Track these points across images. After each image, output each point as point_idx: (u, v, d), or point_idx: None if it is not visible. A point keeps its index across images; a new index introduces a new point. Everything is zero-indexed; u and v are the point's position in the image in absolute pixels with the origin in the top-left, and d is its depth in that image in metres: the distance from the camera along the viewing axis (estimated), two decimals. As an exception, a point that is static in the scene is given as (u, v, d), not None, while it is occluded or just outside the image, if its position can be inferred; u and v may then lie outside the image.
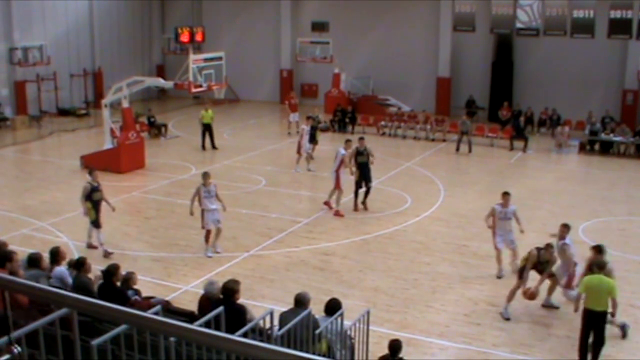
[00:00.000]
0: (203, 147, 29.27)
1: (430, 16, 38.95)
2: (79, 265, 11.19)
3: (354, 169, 20.46)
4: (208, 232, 16.79)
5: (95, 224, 16.78)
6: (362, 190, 20.72)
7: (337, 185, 20.27)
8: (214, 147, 29.30)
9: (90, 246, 16.90)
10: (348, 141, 21.20)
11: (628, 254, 17.16)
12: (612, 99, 35.02)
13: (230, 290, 9.46)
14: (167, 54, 44.42)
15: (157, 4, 45.70)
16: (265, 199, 21.70)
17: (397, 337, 10.18)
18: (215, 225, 16.73)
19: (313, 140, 26.50)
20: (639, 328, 13.10)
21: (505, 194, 16.08)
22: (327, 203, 20.71)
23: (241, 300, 13.12)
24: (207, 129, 29.20)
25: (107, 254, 16.23)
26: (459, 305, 14.06)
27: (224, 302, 8.98)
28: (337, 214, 20.17)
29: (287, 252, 16.96)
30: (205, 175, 16.84)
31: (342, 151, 20.47)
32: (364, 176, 20.54)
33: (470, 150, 29.10)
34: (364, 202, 20.72)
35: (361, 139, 21.31)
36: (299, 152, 24.93)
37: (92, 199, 16.72)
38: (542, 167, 27.84)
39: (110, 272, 10.84)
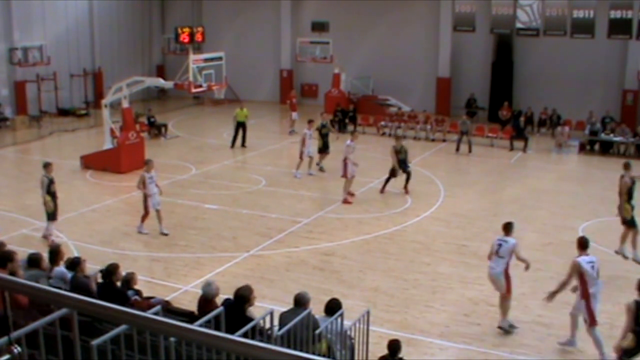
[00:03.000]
0: (233, 144, 29.54)
1: (430, 16, 38.95)
2: (73, 265, 11.16)
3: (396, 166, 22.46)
4: (147, 215, 18.21)
5: (53, 216, 17.26)
6: (403, 177, 22.54)
7: (344, 174, 21.43)
8: (243, 145, 29.63)
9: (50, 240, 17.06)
10: (354, 132, 24.63)
11: (628, 254, 17.14)
12: (612, 99, 35.01)
13: (243, 298, 9.24)
14: (167, 54, 44.38)
15: (157, 4, 45.70)
16: (265, 199, 21.70)
17: (397, 338, 10.18)
18: (156, 207, 18.20)
19: (326, 149, 25.46)
20: (639, 328, 13.07)
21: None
22: (350, 194, 21.70)
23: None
24: (240, 126, 29.55)
25: (49, 241, 16.48)
26: (459, 306, 14.06)
27: (235, 309, 8.92)
28: (345, 201, 21.31)
29: (287, 252, 16.96)
30: (149, 162, 18.50)
31: (349, 142, 21.86)
32: (401, 166, 22.47)
33: (470, 151, 29.10)
34: (405, 187, 22.55)
35: (398, 137, 24.30)
36: (300, 156, 24.80)
37: (50, 191, 17.16)
38: (542, 167, 27.84)
39: (110, 272, 10.86)
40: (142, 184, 18.04)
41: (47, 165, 17.46)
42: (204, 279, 14.73)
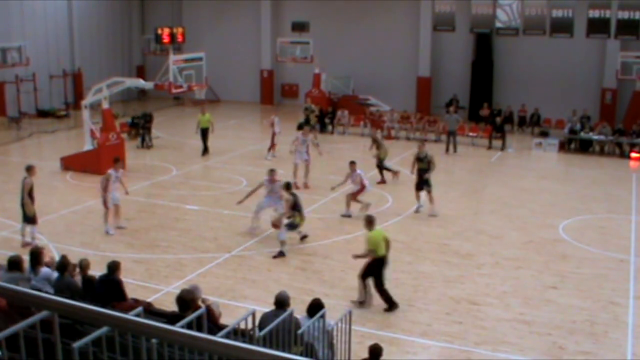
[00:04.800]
0: (205, 151, 28.35)
1: (410, 16, 39.08)
2: (62, 268, 11.12)
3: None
4: (109, 211, 18.31)
5: (33, 219, 16.99)
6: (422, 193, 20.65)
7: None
8: (205, 152, 28.26)
9: (25, 245, 16.65)
10: (304, 127, 25.39)
11: (608, 252, 17.28)
12: (591, 97, 35.30)
13: (190, 301, 8.95)
14: (147, 54, 44.26)
15: (136, 4, 45.53)
16: (246, 200, 21.62)
17: (377, 342, 10.04)
18: (115, 202, 18.52)
19: (307, 123, 28.82)
20: (619, 325, 13.19)
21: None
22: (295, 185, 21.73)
23: (223, 301, 13.13)
24: (204, 133, 28.20)
25: (31, 244, 16.24)
26: (440, 304, 14.09)
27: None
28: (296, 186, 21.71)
29: (268, 252, 16.92)
30: (118, 161, 18.91)
31: (299, 135, 23.88)
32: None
33: (455, 150, 29.21)
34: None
35: (422, 143, 21.79)
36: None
37: (31, 194, 16.94)
38: (522, 166, 27.99)
39: (112, 269, 11.37)
40: (106, 182, 18.11)
41: (30, 168, 17.22)
42: (186, 280, 14.75)
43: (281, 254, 16.52)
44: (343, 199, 21.53)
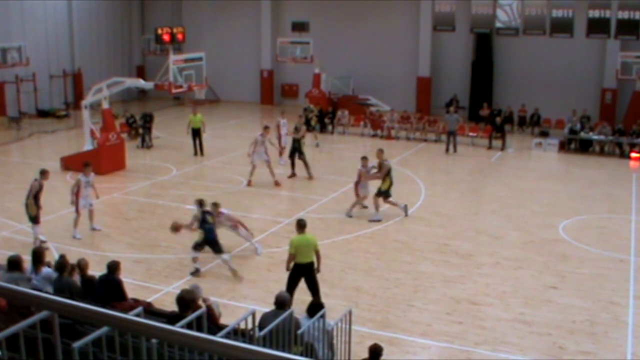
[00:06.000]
0: (195, 152, 28.15)
1: (410, 16, 39.10)
2: (61, 268, 11.12)
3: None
4: (80, 217, 18.00)
5: (36, 219, 17.04)
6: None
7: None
8: (201, 153, 28.12)
9: (42, 242, 16.80)
10: (266, 127, 23.91)
11: (608, 252, 17.28)
12: (591, 97, 35.30)
13: (190, 301, 8.99)
14: (147, 54, 44.28)
15: (136, 4, 45.54)
16: (246, 200, 21.66)
17: (377, 342, 10.03)
18: (88, 208, 18.27)
19: (308, 124, 28.64)
20: (619, 325, 13.19)
21: None
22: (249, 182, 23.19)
23: (223, 301, 13.14)
24: (196, 134, 28.06)
25: (42, 243, 16.51)
26: (440, 304, 14.09)
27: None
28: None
29: (268, 252, 16.92)
30: (88, 166, 18.37)
31: (258, 136, 23.23)
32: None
33: (455, 150, 29.20)
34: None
35: (380, 150, 20.55)
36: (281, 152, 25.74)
37: (37, 197, 17.04)
38: (522, 166, 27.99)
39: (111, 269, 11.44)
40: (77, 188, 17.87)
41: (44, 172, 17.29)
42: (186, 280, 14.76)
43: (197, 271, 15.46)
44: (344, 199, 21.56)
